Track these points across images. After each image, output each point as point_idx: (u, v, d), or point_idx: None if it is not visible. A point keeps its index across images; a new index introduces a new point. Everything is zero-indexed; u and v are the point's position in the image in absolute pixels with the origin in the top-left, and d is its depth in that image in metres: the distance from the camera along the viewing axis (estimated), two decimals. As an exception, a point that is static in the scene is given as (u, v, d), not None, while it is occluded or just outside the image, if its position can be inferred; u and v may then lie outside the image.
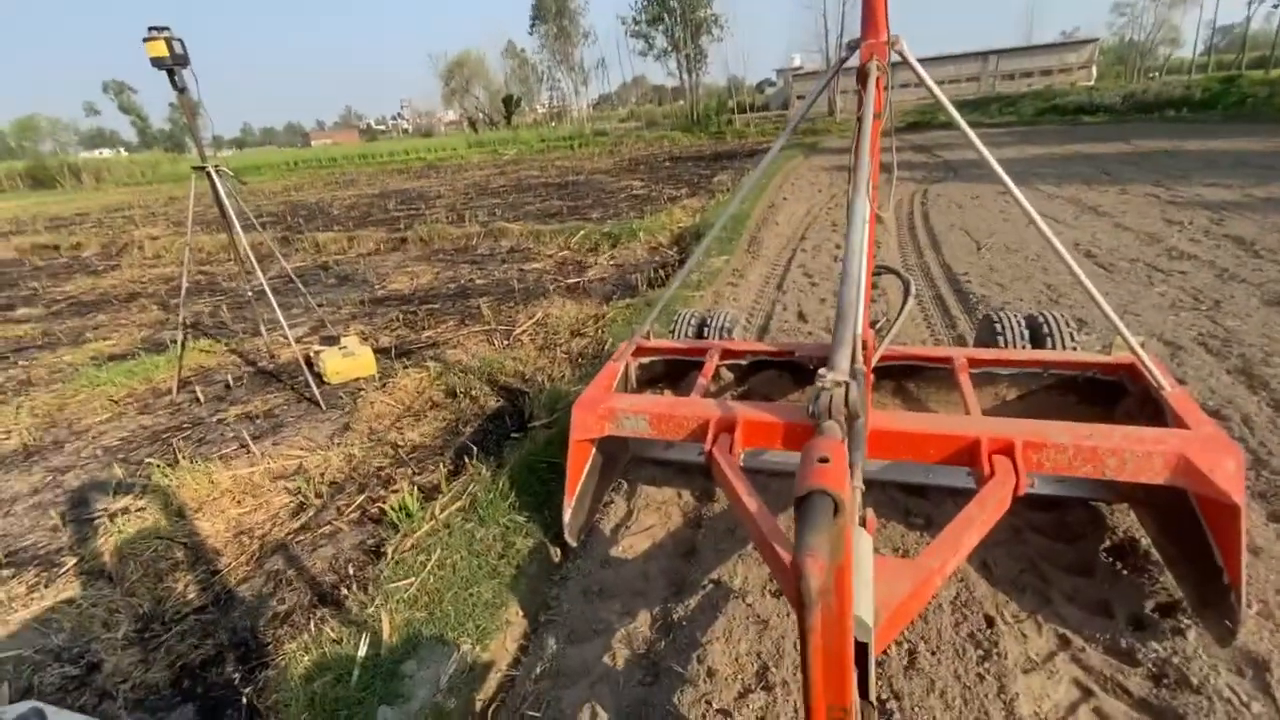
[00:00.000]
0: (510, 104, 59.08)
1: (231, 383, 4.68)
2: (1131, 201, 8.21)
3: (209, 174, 4.16)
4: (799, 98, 48.30)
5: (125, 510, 3.11)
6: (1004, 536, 2.27)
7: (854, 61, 1.75)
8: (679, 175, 16.46)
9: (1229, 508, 1.70)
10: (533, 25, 51.48)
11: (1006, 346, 2.77)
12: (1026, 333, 2.82)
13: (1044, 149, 15.22)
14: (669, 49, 41.95)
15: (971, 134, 1.88)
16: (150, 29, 3.82)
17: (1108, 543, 2.25)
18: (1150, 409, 2.16)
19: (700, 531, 2.53)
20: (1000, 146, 16.52)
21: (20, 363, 5.65)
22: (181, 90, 4.00)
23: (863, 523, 1.47)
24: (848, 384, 0.95)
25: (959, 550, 1.58)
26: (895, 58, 1.77)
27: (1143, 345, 2.17)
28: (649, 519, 2.65)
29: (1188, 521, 1.88)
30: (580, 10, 50.21)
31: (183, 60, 3.91)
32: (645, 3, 40.85)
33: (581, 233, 8.80)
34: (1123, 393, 2.37)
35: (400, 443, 3.54)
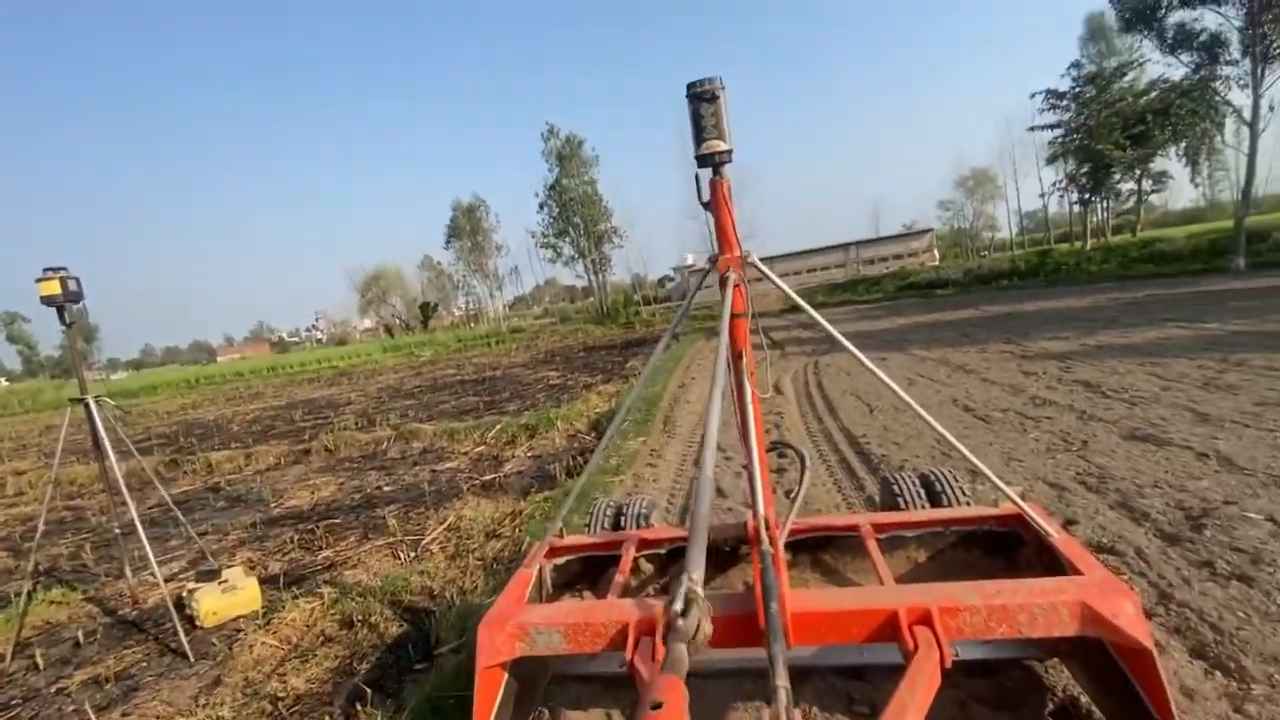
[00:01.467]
0: (427, 310, 61.69)
1: (82, 639, 3.97)
2: (991, 358, 9.29)
3: (86, 405, 3.92)
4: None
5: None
6: (949, 711, 2.15)
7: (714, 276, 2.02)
8: (593, 364, 17.20)
9: (1140, 652, 1.70)
10: (448, 241, 55.89)
11: (906, 507, 2.85)
12: (923, 491, 2.93)
13: (910, 319, 17.35)
14: (576, 256, 46.21)
15: (820, 318, 2.16)
16: (46, 269, 3.77)
17: (1051, 705, 2.17)
18: (1047, 556, 2.23)
19: (633, 759, 2.23)
20: (874, 319, 18.69)
21: None
22: (70, 325, 3.90)
23: (791, 729, 1.35)
24: (696, 596, 0.87)
25: (899, 744, 1.46)
26: (749, 265, 2.06)
27: (1024, 494, 2.30)
28: (575, 751, 2.32)
29: (1114, 672, 1.86)
30: (493, 228, 55.38)
31: (76, 297, 3.85)
32: (551, 220, 45.66)
33: (498, 426, 8.76)
34: (1020, 542, 2.46)
35: (282, 694, 3.03)
